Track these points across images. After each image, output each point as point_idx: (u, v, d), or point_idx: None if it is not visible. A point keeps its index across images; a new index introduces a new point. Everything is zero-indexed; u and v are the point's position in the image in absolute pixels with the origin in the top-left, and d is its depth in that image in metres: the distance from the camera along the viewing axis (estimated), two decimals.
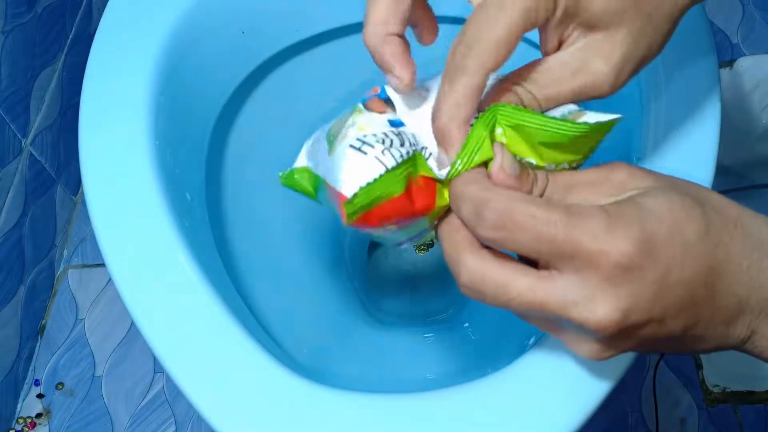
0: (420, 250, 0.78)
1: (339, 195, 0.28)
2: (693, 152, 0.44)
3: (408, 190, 0.29)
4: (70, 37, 0.96)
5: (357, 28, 0.64)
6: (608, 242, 0.25)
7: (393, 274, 0.79)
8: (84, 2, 1.00)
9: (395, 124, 0.31)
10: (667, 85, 0.46)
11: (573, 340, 0.29)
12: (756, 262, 0.28)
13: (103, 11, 0.53)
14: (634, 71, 0.30)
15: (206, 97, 0.55)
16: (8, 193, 0.83)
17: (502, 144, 0.29)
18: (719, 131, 0.45)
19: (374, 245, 0.77)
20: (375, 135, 0.30)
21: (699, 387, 0.84)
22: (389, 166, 0.28)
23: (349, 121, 0.31)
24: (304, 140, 0.37)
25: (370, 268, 0.73)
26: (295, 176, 0.36)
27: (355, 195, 0.28)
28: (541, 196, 0.29)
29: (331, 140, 0.32)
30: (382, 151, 0.29)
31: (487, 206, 0.26)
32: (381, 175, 0.28)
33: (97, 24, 0.52)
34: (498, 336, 0.60)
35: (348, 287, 0.69)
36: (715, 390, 0.83)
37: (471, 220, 0.27)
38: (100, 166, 0.46)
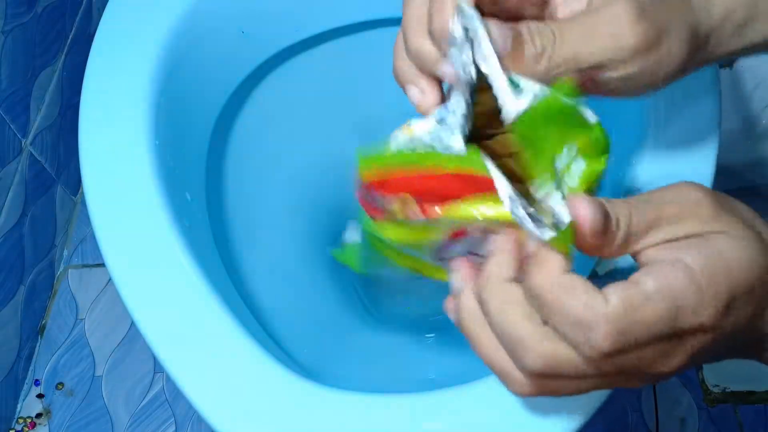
0: None
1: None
2: (693, 152, 0.44)
3: (438, 175, 0.28)
4: (70, 37, 0.96)
5: (357, 28, 0.64)
6: (702, 316, 0.25)
7: (393, 274, 0.79)
8: (84, 2, 1.00)
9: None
10: (667, 85, 0.46)
11: (628, 383, 0.28)
12: None
13: (103, 11, 0.53)
14: (664, 83, 0.30)
15: (206, 97, 0.55)
16: (8, 193, 0.83)
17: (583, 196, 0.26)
18: (719, 131, 0.45)
19: None
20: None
21: (699, 387, 0.84)
22: (416, 145, 0.28)
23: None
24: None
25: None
26: (346, 251, 0.37)
27: (377, 154, 0.27)
28: (626, 236, 0.27)
29: None
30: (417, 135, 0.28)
31: (598, 332, 0.24)
32: (408, 148, 0.27)
33: (97, 24, 0.52)
34: None
35: (348, 287, 0.69)
36: (715, 390, 0.83)
37: (573, 338, 0.25)
38: (100, 166, 0.46)
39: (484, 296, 0.27)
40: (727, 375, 0.84)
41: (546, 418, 0.36)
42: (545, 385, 0.27)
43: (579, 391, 0.28)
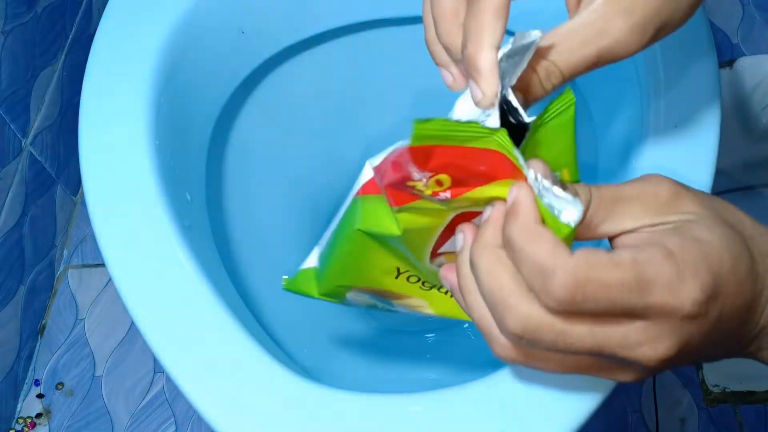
0: None
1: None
2: (693, 152, 0.44)
3: (476, 149, 0.28)
4: (70, 37, 0.96)
5: (357, 27, 0.64)
6: (681, 296, 0.25)
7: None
8: (84, 2, 1.00)
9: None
10: (667, 85, 0.46)
11: (616, 372, 0.28)
12: None
13: (103, 11, 0.53)
14: (658, 34, 0.29)
15: (206, 97, 0.55)
16: (8, 193, 0.83)
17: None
18: (719, 131, 0.45)
19: None
20: None
21: (699, 387, 0.84)
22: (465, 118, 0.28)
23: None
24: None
25: None
26: (299, 280, 0.38)
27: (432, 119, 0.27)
28: (586, 211, 0.27)
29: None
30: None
31: (555, 279, 0.24)
32: (457, 120, 0.27)
33: (97, 24, 0.52)
34: None
35: None
36: (715, 390, 0.83)
37: (534, 285, 0.25)
38: (100, 167, 0.46)
39: (475, 259, 0.27)
40: (727, 375, 0.84)
41: (546, 417, 0.36)
42: (527, 353, 0.27)
43: (562, 367, 0.28)
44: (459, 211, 0.30)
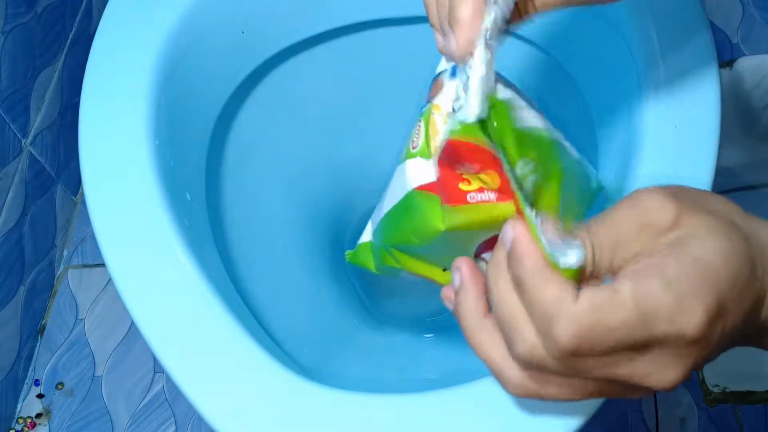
0: None
1: None
2: (693, 152, 0.44)
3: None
4: (70, 37, 0.96)
5: (357, 28, 0.64)
6: (684, 324, 0.25)
7: (392, 276, 0.79)
8: (84, 2, 0.99)
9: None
10: (667, 85, 0.46)
11: (629, 394, 0.28)
12: None
13: (103, 11, 0.53)
14: None
15: (206, 97, 0.55)
16: (8, 193, 0.83)
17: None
18: (719, 131, 0.45)
19: None
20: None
21: (699, 387, 0.84)
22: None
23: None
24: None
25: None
26: (359, 253, 0.39)
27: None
28: (590, 261, 0.27)
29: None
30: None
31: (558, 325, 0.25)
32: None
33: (97, 24, 0.52)
34: None
35: (348, 287, 0.69)
36: (715, 390, 0.83)
37: (540, 329, 0.26)
38: (100, 166, 0.46)
39: (491, 285, 0.28)
40: (727, 375, 0.83)
41: (545, 418, 0.36)
42: (535, 383, 0.27)
43: (569, 395, 0.28)
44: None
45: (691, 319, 0.25)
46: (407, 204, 0.33)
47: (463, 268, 0.30)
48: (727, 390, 0.83)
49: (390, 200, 0.35)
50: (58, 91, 0.93)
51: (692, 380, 0.84)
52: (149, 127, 0.47)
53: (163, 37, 0.50)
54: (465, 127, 0.28)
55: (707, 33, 0.48)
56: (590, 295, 0.25)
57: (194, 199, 0.50)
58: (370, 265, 0.38)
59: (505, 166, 0.28)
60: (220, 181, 0.59)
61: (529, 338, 0.26)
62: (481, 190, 0.30)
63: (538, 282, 0.25)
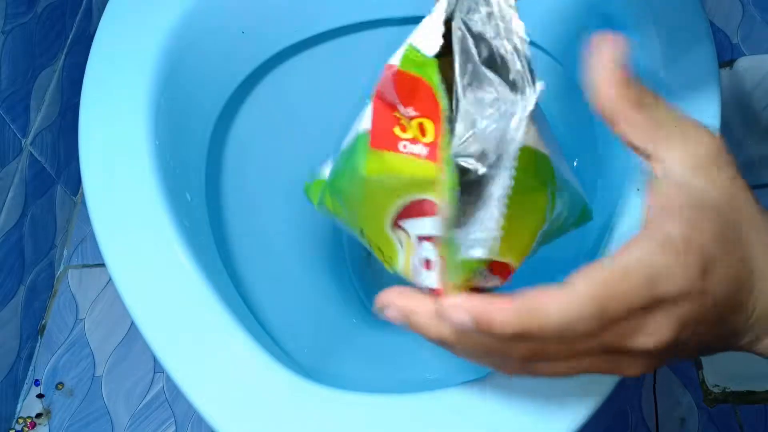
0: None
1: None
2: None
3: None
4: (70, 37, 0.96)
5: (357, 28, 0.64)
6: (677, 283, 0.25)
7: (393, 274, 0.79)
8: (84, 2, 0.99)
9: None
10: (668, 86, 0.46)
11: (621, 366, 0.28)
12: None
13: (103, 11, 0.53)
14: None
15: (206, 97, 0.55)
16: (8, 193, 0.83)
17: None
18: (719, 131, 0.45)
19: None
20: None
21: (699, 387, 0.84)
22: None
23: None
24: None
25: (370, 268, 0.73)
26: (313, 187, 0.36)
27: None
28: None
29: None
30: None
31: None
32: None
33: (97, 24, 0.52)
34: None
35: (348, 287, 0.69)
36: (715, 390, 0.83)
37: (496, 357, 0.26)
38: (100, 166, 0.46)
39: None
40: (727, 375, 0.83)
41: (545, 418, 0.36)
42: (534, 351, 0.27)
43: (568, 367, 0.28)
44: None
45: (689, 271, 0.25)
46: (353, 147, 0.30)
47: (393, 301, 0.28)
48: (727, 390, 0.83)
49: (346, 141, 0.32)
50: (58, 91, 0.93)
51: (692, 380, 0.84)
52: (149, 127, 0.47)
53: (163, 37, 0.50)
54: (419, 58, 0.25)
55: (707, 33, 0.48)
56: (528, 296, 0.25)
57: (194, 199, 0.50)
58: (314, 200, 0.35)
59: (444, 123, 0.25)
60: (220, 181, 0.59)
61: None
62: (414, 140, 0.26)
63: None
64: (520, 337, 0.25)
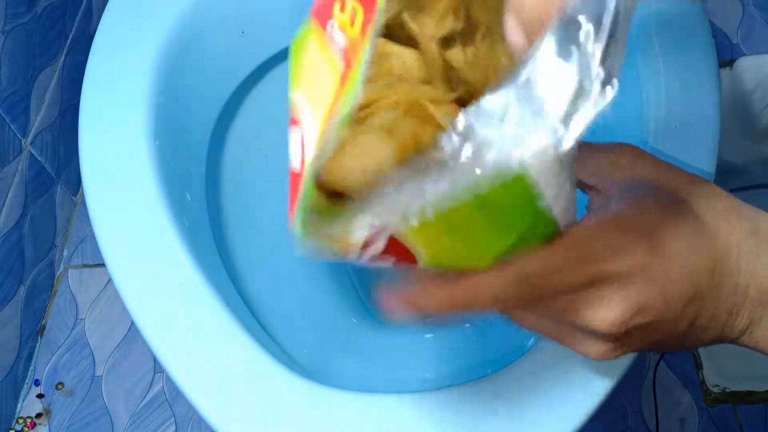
0: None
1: None
2: (693, 152, 0.44)
3: None
4: (70, 37, 0.96)
5: None
6: (621, 259, 0.26)
7: (393, 275, 0.79)
8: (84, 2, 0.99)
9: None
10: (667, 86, 0.46)
11: (582, 344, 0.29)
12: (753, 248, 0.28)
13: (103, 11, 0.53)
14: None
15: (206, 97, 0.55)
16: (8, 193, 0.83)
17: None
18: (719, 131, 0.45)
19: None
20: None
21: (699, 387, 0.84)
22: None
23: None
24: None
25: (370, 268, 0.73)
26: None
27: None
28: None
29: None
30: None
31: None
32: None
33: (97, 24, 0.52)
34: (498, 337, 0.60)
35: (348, 287, 0.69)
36: (715, 390, 0.83)
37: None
38: (100, 166, 0.46)
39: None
40: (727, 375, 0.83)
41: (545, 418, 0.36)
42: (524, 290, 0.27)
43: (532, 324, 0.29)
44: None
45: (631, 256, 0.26)
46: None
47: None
48: (727, 390, 0.83)
49: None
50: (58, 91, 0.93)
51: (692, 380, 0.84)
52: (149, 127, 0.47)
53: (163, 37, 0.50)
54: None
55: (707, 33, 0.48)
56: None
57: (194, 199, 0.50)
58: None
59: (376, 22, 0.20)
60: (220, 181, 0.59)
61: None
62: (342, 27, 0.22)
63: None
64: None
